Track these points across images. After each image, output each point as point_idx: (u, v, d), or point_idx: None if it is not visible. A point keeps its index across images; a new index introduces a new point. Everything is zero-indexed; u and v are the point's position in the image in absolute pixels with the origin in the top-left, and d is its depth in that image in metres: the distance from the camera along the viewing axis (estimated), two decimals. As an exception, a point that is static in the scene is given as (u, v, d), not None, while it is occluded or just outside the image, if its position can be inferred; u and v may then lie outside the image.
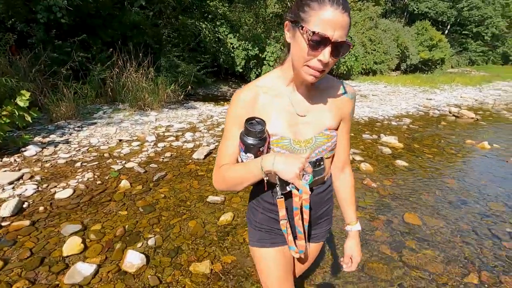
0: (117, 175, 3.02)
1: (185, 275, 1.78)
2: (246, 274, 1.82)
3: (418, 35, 21.84)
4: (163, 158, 3.54)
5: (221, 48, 8.97)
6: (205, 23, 8.84)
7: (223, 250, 2.02)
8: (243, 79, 10.25)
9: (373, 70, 15.94)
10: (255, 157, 0.80)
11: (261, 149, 0.80)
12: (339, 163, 1.01)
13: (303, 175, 0.81)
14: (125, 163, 3.32)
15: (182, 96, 6.75)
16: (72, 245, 1.93)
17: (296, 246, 0.89)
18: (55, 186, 2.72)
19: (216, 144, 4.15)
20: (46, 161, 3.24)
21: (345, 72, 13.36)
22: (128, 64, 6.05)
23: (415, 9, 26.16)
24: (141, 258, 1.84)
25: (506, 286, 1.84)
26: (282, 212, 0.84)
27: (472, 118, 6.74)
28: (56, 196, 2.55)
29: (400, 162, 3.80)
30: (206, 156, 3.66)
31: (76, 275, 1.69)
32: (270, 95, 0.87)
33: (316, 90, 0.89)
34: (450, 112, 7.21)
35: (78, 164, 3.21)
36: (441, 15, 26.32)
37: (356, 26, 15.23)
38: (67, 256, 1.87)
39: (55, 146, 3.63)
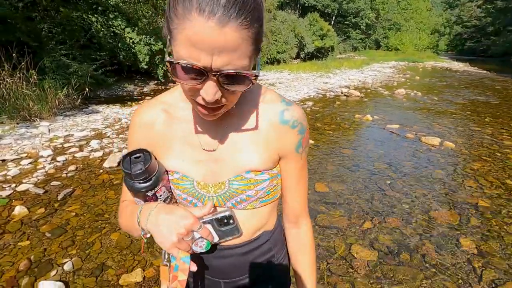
0: (6, 202, 2.53)
1: (115, 290, 1.69)
2: (182, 271, 1.84)
3: (311, 25, 24.41)
4: (66, 173, 3.11)
5: (119, 44, 8.17)
6: (95, 16, 7.87)
7: (154, 255, 1.97)
8: (149, 76, 9.62)
9: (277, 59, 17.13)
10: (145, 201, 0.60)
11: (148, 193, 0.59)
12: (289, 215, 0.71)
13: (195, 240, 0.56)
14: (16, 186, 2.80)
15: (79, 101, 5.93)
16: (-43, 296, 1.58)
17: None
18: None
19: (130, 148, 3.87)
20: None
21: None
22: (-3, 67, 4.95)
23: (305, 1, 28.97)
24: (59, 286, 1.64)
25: (390, 224, 2.38)
26: (168, 281, 0.55)
27: (358, 96, 8.07)
28: None
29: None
30: (120, 163, 3.38)
31: (-29, 329, 1.40)
32: (173, 117, 0.62)
33: (233, 115, 0.60)
34: (341, 93, 8.43)
35: None
36: (326, 7, 29.93)
37: (257, 18, 15.99)
38: (-48, 311, 1.52)
39: None
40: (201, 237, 0.55)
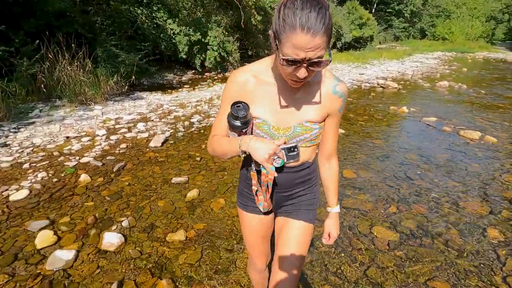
0: (73, 171, 3.00)
1: (163, 244, 2.00)
2: (217, 235, 2.11)
3: (349, 14, 23.45)
4: (119, 150, 3.55)
5: (161, 35, 8.68)
6: (141, 8, 8.41)
7: (194, 220, 2.27)
8: (187, 65, 10.09)
9: (312, 49, 16.86)
10: (238, 135, 0.90)
11: (243, 130, 0.89)
12: (325, 153, 1.06)
13: (274, 159, 0.88)
14: (79, 158, 3.27)
15: (126, 87, 6.50)
16: (44, 238, 1.99)
17: (261, 201, 1.03)
18: (7, 190, 2.62)
19: (171, 131, 4.25)
20: (-13, 166, 3.03)
21: (287, 53, 13.92)
22: (60, 56, 5.60)
23: (345, -11, 27.80)
24: (119, 237, 2.00)
25: (415, 211, 2.44)
26: (254, 182, 0.98)
27: (395, 88, 7.79)
28: (11, 198, 2.48)
29: (339, 130, 4.38)
30: (163, 143, 3.77)
31: (57, 262, 1.79)
32: (260, 81, 0.92)
33: (303, 85, 0.89)
34: (378, 84, 8.20)
35: (26, 165, 3.08)
36: (367, -5, 28.45)
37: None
38: (41, 249, 1.93)
39: (-7, 151, 3.37)
40: (278, 157, 0.89)
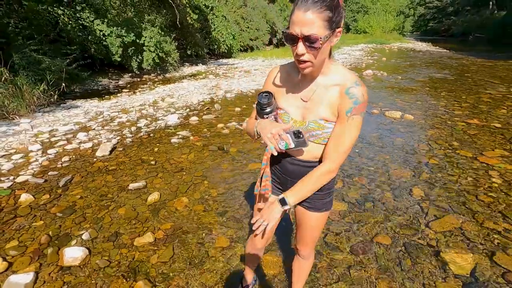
0: (9, 192, 2.70)
1: (131, 249, 1.98)
2: (186, 231, 2.17)
3: (281, 11, 24.53)
4: (61, 164, 3.28)
5: (89, 37, 8.02)
6: (61, 8, 7.63)
7: (159, 221, 2.28)
8: (123, 68, 9.51)
9: (250, 46, 17.26)
10: (261, 119, 1.06)
11: (265, 116, 1.03)
12: (323, 155, 1.03)
13: (279, 141, 0.96)
14: (14, 178, 2.94)
15: (56, 97, 5.91)
16: (-8, 266, 1.80)
17: (262, 186, 1.14)
18: None
19: (118, 138, 4.05)
20: None
21: (226, 50, 14.03)
22: (-34, 66, 4.83)
23: (274, -13, 28.88)
24: (82, 250, 1.92)
25: (357, 182, 2.83)
26: (264, 163, 1.10)
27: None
28: None
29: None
30: (111, 151, 3.59)
31: (13, 287, 1.66)
32: (290, 77, 1.06)
33: (322, 84, 0.99)
34: (314, 76, 8.86)
35: None
36: (295, -7, 30.11)
37: (227, 5, 15.92)
38: (-10, 278, 1.75)
39: None
40: (282, 140, 0.96)
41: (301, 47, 0.85)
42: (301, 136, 0.97)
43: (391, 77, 8.72)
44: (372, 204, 2.49)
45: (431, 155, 3.42)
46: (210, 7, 12.89)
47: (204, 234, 2.14)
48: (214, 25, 13.49)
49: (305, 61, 0.89)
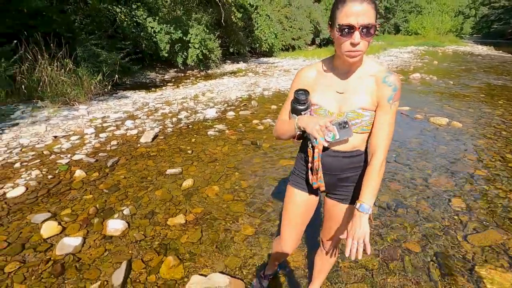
0: (67, 168, 3.06)
1: (164, 228, 2.16)
2: (214, 217, 2.29)
3: (327, 10, 23.98)
4: (110, 147, 3.62)
5: (142, 33, 8.64)
6: (119, 7, 8.33)
7: (191, 205, 2.43)
8: (169, 64, 10.08)
9: (292, 45, 17.17)
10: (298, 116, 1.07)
11: (302, 113, 1.05)
12: (370, 147, 1.05)
13: (327, 132, 0.97)
14: (71, 156, 3.33)
15: (109, 87, 6.48)
16: (50, 228, 2.09)
17: (312, 180, 1.13)
18: (2, 188, 2.66)
19: (160, 127, 4.35)
20: (-24, 167, 3.04)
21: (267, 50, 14.14)
22: (39, 56, 5.52)
23: (321, -14, 28.30)
24: (123, 223, 2.13)
25: (391, 188, 2.72)
26: (310, 159, 1.11)
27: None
28: (8, 195, 2.54)
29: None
30: (153, 138, 3.87)
31: (65, 248, 1.91)
32: (321, 73, 1.10)
33: (356, 75, 1.04)
34: (356, 78, 8.58)
35: (17, 164, 3.10)
36: (343, -8, 29.17)
37: (272, 4, 16.01)
38: (47, 238, 2.03)
39: (-21, 152, 3.36)
40: (329, 131, 0.98)
41: (357, 36, 0.90)
42: (347, 125, 1.00)
43: (441, 82, 8.11)
44: (404, 210, 2.39)
45: (478, 166, 3.16)
46: (254, 6, 13.08)
47: (231, 222, 2.24)
48: (257, 24, 13.66)
49: (358, 50, 0.94)
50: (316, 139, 1.01)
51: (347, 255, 0.98)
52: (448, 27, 35.14)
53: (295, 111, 1.08)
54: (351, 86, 1.04)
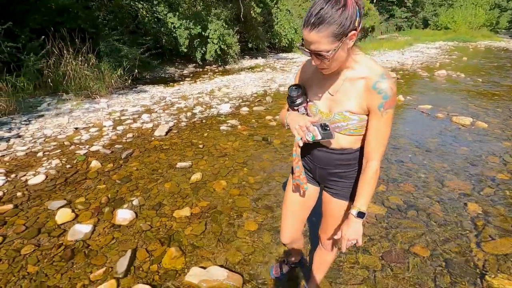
0: (84, 158, 3.20)
1: (170, 219, 2.21)
2: (220, 212, 2.31)
3: (350, 4, 23.27)
4: (125, 139, 3.75)
5: (162, 29, 8.81)
6: (141, 3, 8.53)
7: (198, 199, 2.47)
8: (188, 59, 10.22)
9: (312, 41, 16.84)
10: (293, 111, 1.13)
11: (295, 108, 1.09)
12: (365, 153, 1.04)
13: (307, 132, 1.02)
14: (89, 147, 3.48)
15: (129, 81, 6.68)
16: (64, 215, 2.20)
17: (296, 179, 1.20)
18: (24, 175, 2.84)
19: (175, 121, 4.44)
20: (3, 155, 3.25)
21: (286, 45, 13.97)
22: (64, 51, 5.78)
23: (345, -21, 27.49)
24: (131, 214, 2.21)
25: (403, 189, 2.63)
26: (294, 148, 1.16)
27: (394, 77, 7.89)
28: (30, 182, 2.70)
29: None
30: (167, 132, 3.96)
31: (76, 234, 2.01)
32: (317, 71, 1.05)
33: (348, 78, 1.01)
34: (376, 74, 8.29)
35: (40, 154, 3.29)
36: (368, -16, 28.11)
37: (293, -1, 15.76)
38: (61, 224, 2.14)
39: (7, 141, 3.59)
40: (309, 131, 1.02)
41: (314, 60, 0.94)
42: (328, 128, 1.01)
43: (468, 79, 7.67)
44: (415, 212, 2.30)
45: (501, 169, 2.97)
46: (275, 1, 12.95)
47: (235, 216, 2.26)
48: (277, 19, 13.51)
49: (323, 68, 0.97)
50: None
51: (343, 250, 1.08)
52: (482, 21, 33.01)
53: (290, 106, 1.12)
54: (342, 88, 1.02)
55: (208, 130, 4.10)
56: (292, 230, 1.38)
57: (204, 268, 1.73)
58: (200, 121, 4.49)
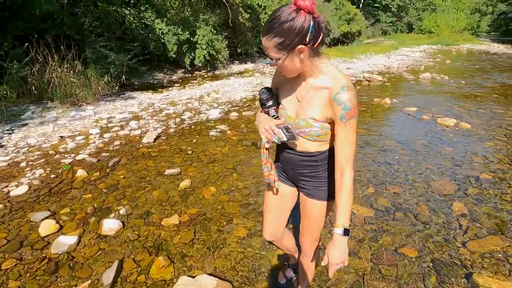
0: (69, 167, 3.13)
1: (159, 228, 2.17)
2: (208, 218, 2.29)
3: (337, 10, 23.68)
4: (113, 147, 3.69)
5: (150, 35, 8.76)
6: (128, 9, 8.48)
7: (187, 206, 2.44)
8: (177, 64, 10.18)
9: (300, 46, 17.04)
10: (265, 113, 1.16)
11: (265, 110, 1.14)
12: (336, 164, 1.05)
13: (273, 134, 1.08)
14: (75, 156, 3.40)
15: (117, 88, 6.60)
16: (47, 226, 2.14)
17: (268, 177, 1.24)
18: (6, 186, 2.75)
19: (163, 128, 4.39)
20: (-15, 166, 3.14)
21: (275, 49, 14.07)
22: (49, 58, 5.67)
23: (331, -15, 28.02)
24: (118, 223, 2.16)
25: (391, 191, 2.66)
26: (263, 155, 1.21)
27: (380, 81, 8.06)
28: (12, 193, 2.62)
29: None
30: (155, 139, 3.91)
31: (60, 246, 1.95)
32: (290, 78, 1.10)
33: (313, 86, 1.05)
34: (364, 78, 8.45)
35: (23, 164, 3.20)
36: (354, -10, 28.73)
37: (280, 4, 15.95)
38: (45, 236, 2.08)
39: (-11, 152, 3.47)
40: (274, 133, 1.07)
41: (269, 61, 1.00)
42: (290, 131, 1.06)
43: (452, 82, 7.89)
44: (403, 214, 2.33)
45: (484, 169, 3.05)
46: (262, 7, 13.07)
47: (225, 223, 2.24)
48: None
49: (281, 71, 1.05)
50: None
51: (330, 276, 1.07)
52: (463, 25, 34.14)
53: (261, 107, 1.17)
54: (307, 96, 1.07)
55: (197, 136, 4.07)
56: (272, 228, 1.40)
57: (193, 277, 1.70)
58: (189, 127, 4.46)
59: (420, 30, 34.88)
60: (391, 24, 34.92)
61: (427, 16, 35.60)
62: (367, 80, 8.27)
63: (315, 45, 0.94)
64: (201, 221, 2.26)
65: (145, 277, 1.74)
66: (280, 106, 1.16)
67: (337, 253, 1.02)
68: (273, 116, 1.14)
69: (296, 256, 1.67)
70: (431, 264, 1.84)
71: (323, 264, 1.07)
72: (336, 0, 24.22)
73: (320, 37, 0.94)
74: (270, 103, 1.13)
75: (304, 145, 1.12)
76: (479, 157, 3.33)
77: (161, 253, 1.92)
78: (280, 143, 1.10)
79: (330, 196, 1.19)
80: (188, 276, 1.72)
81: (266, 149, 1.19)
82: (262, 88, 1.15)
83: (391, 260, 1.87)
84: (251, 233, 2.13)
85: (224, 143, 3.78)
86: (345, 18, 23.53)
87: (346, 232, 1.01)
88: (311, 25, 0.89)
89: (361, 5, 30.54)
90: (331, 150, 1.11)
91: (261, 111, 1.19)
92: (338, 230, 1.02)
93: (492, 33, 44.23)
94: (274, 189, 1.28)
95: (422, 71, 9.70)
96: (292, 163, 1.21)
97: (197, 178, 2.90)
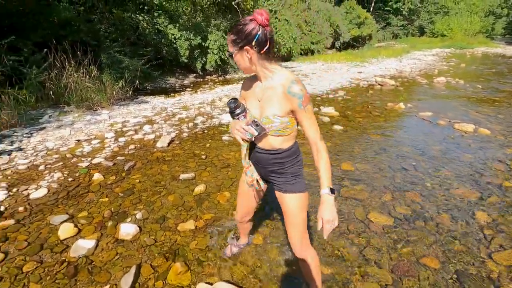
0: (86, 171, 3.18)
1: (175, 233, 2.18)
2: (224, 223, 2.28)
3: (347, 14, 23.58)
4: (128, 151, 3.73)
5: (163, 40, 8.89)
6: (142, 15, 8.64)
7: (202, 211, 2.44)
8: (189, 69, 10.29)
9: (311, 50, 17.02)
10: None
11: (236, 117, 1.27)
12: (310, 141, 1.25)
13: (245, 132, 1.22)
14: (91, 159, 3.46)
15: (130, 92, 6.71)
16: (66, 230, 2.17)
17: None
18: (26, 189, 2.81)
19: (176, 132, 4.43)
20: (5, 169, 3.22)
21: (285, 54, 14.10)
22: (66, 64, 5.82)
23: (342, -11, 27.96)
24: (135, 228, 2.17)
25: (409, 198, 2.60)
26: (243, 161, 1.40)
27: (393, 85, 7.95)
28: (31, 196, 2.67)
29: (337, 127, 4.55)
30: (169, 143, 3.95)
31: (79, 249, 1.97)
32: (252, 84, 1.32)
33: (269, 85, 1.23)
34: (376, 82, 8.35)
35: (42, 167, 3.27)
36: (364, -6, 28.59)
37: (291, 9, 15.99)
38: (64, 239, 2.11)
39: (9, 155, 3.57)
40: (246, 131, 1.22)
41: (228, 54, 1.23)
42: (258, 124, 1.21)
43: (468, 86, 7.71)
44: (423, 222, 2.27)
45: (507, 177, 2.95)
46: (273, 11, 13.13)
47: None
48: (276, 28, 13.67)
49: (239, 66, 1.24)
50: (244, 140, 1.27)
51: (325, 237, 1.19)
52: (477, 28, 33.44)
53: (230, 115, 1.29)
54: (265, 95, 1.23)
55: (210, 140, 4.09)
56: (242, 212, 1.68)
57: (211, 284, 1.69)
58: (202, 131, 4.49)
59: (432, 33, 34.35)
60: (402, 28, 34.52)
61: (440, 19, 35.05)
62: (379, 84, 8.17)
63: (262, 51, 1.15)
64: (216, 226, 2.25)
65: (163, 283, 1.74)
66: (247, 110, 1.30)
67: (328, 211, 1.18)
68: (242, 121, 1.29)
69: (246, 239, 1.99)
70: (454, 276, 1.78)
71: (318, 229, 1.19)
72: (347, 4, 24.16)
73: (267, 46, 1.15)
74: (239, 110, 1.26)
75: (270, 142, 1.28)
76: (500, 164, 3.22)
77: (178, 258, 1.92)
78: (253, 138, 1.24)
79: (302, 189, 1.36)
80: (206, 283, 1.70)
81: (246, 154, 1.35)
82: (229, 99, 1.27)
83: (412, 271, 1.82)
84: (267, 240, 2.10)
85: (237, 148, 3.78)
86: (355, 22, 23.39)
87: (332, 190, 1.20)
88: (259, 34, 1.12)
89: (371, 8, 30.33)
90: (295, 148, 1.32)
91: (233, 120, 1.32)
92: (325, 190, 1.20)
93: (508, 35, 43.18)
94: (252, 188, 1.47)
95: (436, 75, 9.52)
96: (262, 162, 1.36)
97: (211, 183, 2.90)
